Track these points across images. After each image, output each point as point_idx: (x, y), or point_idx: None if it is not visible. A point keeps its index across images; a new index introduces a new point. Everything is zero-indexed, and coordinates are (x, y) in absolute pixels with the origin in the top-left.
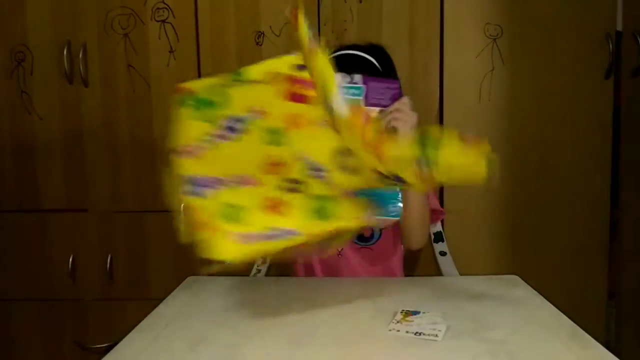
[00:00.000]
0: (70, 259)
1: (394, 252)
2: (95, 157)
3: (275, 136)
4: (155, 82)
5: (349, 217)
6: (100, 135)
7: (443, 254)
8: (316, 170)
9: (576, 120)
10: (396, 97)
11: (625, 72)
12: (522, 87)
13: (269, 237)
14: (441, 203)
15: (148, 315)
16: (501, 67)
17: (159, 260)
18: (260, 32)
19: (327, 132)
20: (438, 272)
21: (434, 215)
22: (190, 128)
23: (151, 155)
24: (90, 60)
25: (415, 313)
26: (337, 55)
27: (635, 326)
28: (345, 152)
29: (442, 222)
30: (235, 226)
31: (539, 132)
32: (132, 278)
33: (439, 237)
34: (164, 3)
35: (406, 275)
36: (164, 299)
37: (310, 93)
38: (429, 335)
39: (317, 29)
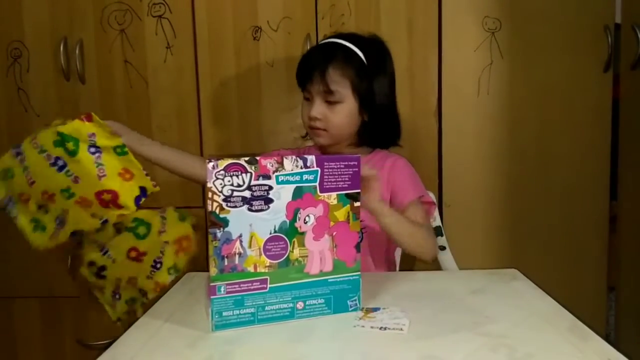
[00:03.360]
0: (70, 256)
1: (374, 253)
2: None
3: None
4: (152, 78)
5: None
6: None
7: (442, 248)
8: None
9: (575, 113)
10: (357, 176)
11: (624, 64)
12: (521, 81)
13: None
14: (440, 197)
15: (147, 312)
16: (500, 60)
17: None
18: (257, 27)
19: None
20: (437, 267)
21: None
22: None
23: None
24: (86, 57)
25: (376, 309)
26: (321, 43)
27: (635, 319)
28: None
29: (441, 216)
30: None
31: (538, 125)
32: None
33: (438, 231)
34: None
35: (404, 270)
36: (162, 295)
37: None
38: (393, 329)
39: (315, 23)
